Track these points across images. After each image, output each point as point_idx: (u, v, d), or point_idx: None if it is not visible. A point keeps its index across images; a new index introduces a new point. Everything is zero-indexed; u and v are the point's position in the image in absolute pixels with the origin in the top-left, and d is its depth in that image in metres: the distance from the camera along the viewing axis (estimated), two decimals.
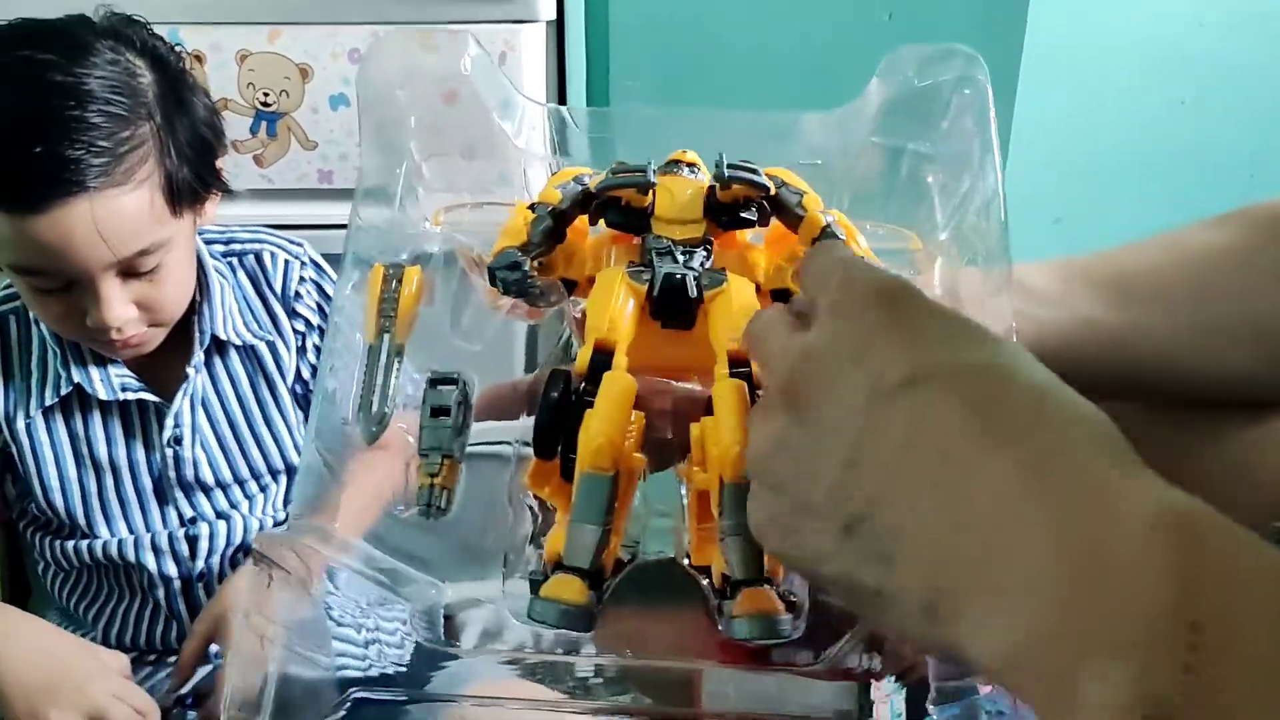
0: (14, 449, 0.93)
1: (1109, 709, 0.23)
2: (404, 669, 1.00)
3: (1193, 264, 0.51)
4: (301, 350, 0.99)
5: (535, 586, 0.40)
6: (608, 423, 0.38)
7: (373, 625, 0.66)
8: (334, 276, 1.01)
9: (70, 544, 0.96)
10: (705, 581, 0.43)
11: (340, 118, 1.16)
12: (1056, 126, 1.54)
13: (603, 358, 0.40)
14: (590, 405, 0.39)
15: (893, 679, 0.60)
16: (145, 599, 0.99)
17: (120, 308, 0.83)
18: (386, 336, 0.44)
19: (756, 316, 0.36)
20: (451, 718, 0.98)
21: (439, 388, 0.44)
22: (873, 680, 0.65)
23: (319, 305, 1.00)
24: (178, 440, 0.95)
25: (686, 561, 0.45)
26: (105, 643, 1.00)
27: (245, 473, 0.99)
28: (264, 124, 1.17)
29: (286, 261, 0.99)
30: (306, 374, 1.00)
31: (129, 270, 0.83)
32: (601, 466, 0.38)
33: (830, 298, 0.31)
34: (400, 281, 0.45)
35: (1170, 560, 0.24)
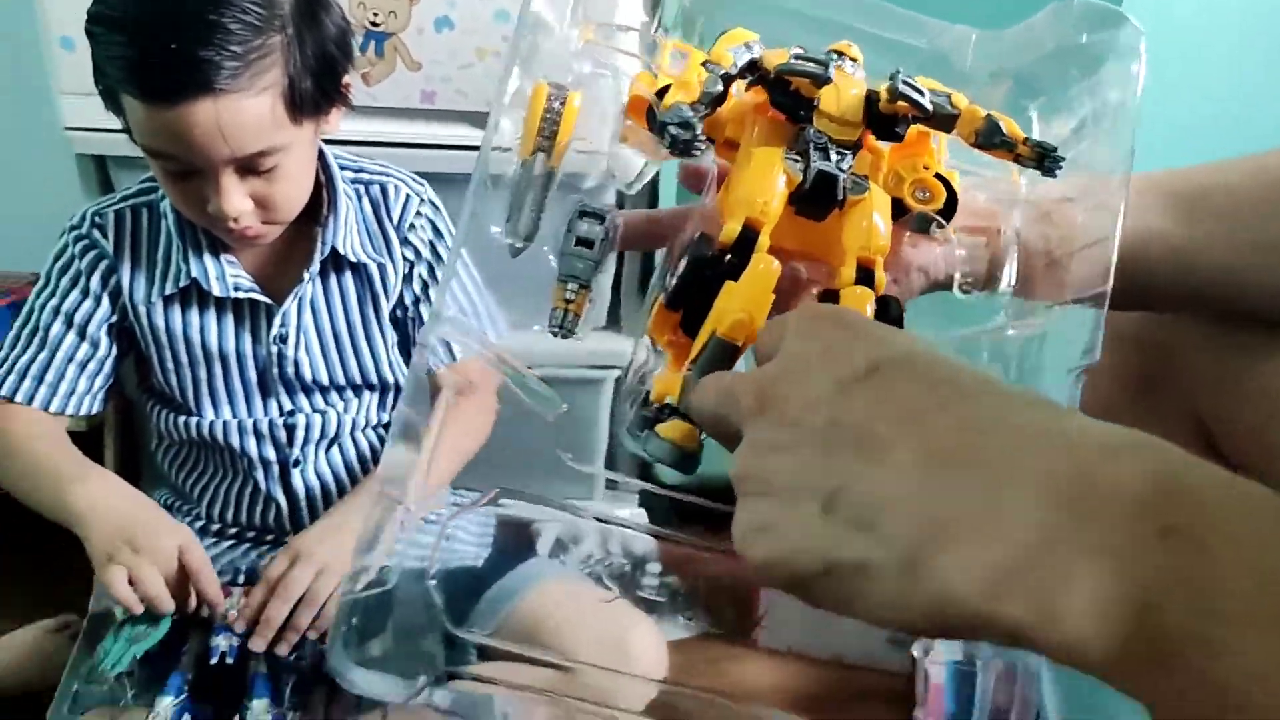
0: (137, 329, 1.01)
1: (1097, 605, 0.25)
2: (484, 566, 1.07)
3: (1267, 183, 0.51)
4: (407, 278, 1.05)
5: (647, 423, 0.44)
6: (751, 301, 0.41)
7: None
8: (449, 220, 1.07)
9: (181, 419, 1.05)
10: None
11: (444, 40, 1.20)
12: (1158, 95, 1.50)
13: (749, 234, 0.42)
14: (729, 273, 0.42)
15: None
16: (245, 479, 1.07)
17: (237, 200, 0.88)
18: (541, 156, 0.45)
19: (720, 379, 0.38)
20: (526, 605, 1.06)
21: (587, 220, 0.46)
22: None
23: (431, 241, 1.05)
24: (283, 339, 1.02)
25: None
26: (208, 519, 1.10)
27: (341, 379, 1.06)
28: (372, 43, 1.22)
29: (408, 196, 1.05)
30: (408, 299, 1.06)
31: (247, 167, 0.88)
32: (734, 337, 0.41)
33: (792, 326, 0.35)
34: (563, 104, 0.45)
35: (1138, 470, 0.26)
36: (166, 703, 0.84)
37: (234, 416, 1.04)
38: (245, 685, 0.87)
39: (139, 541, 0.88)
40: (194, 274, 0.98)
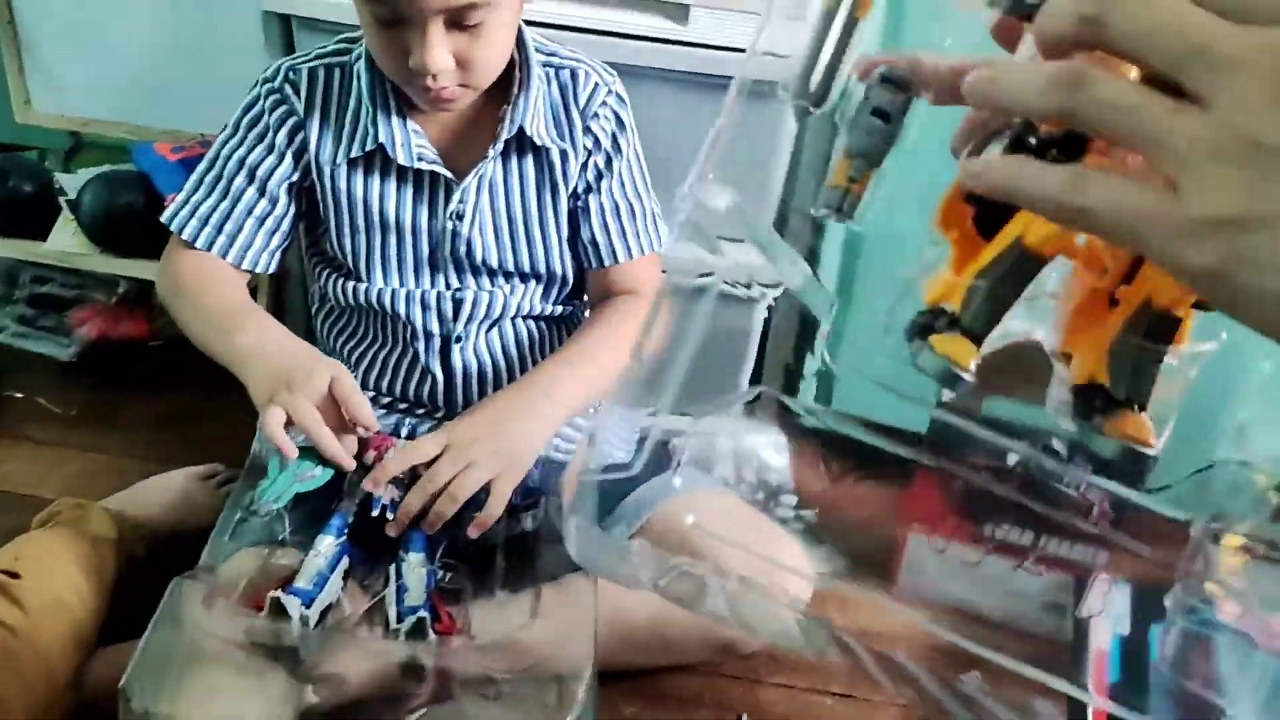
0: (318, 190, 1.01)
1: None
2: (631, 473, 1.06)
3: None
4: (584, 167, 1.03)
5: (920, 330, 0.39)
6: None
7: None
8: (631, 117, 1.04)
9: (350, 284, 1.05)
10: (1064, 373, 0.41)
11: None
12: None
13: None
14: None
15: (1115, 577, 0.59)
16: (405, 349, 1.07)
17: (440, 54, 0.87)
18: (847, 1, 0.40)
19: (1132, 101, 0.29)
20: (672, 509, 1.05)
21: (888, 88, 0.40)
22: (1092, 576, 0.64)
23: (613, 133, 1.03)
24: (459, 217, 1.00)
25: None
26: (364, 387, 1.10)
27: (510, 264, 1.04)
28: None
29: (596, 84, 1.02)
30: (582, 188, 1.04)
31: (455, 21, 0.86)
32: (1043, 252, 0.36)
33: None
34: None
35: None
36: (328, 542, 0.84)
37: (401, 285, 1.04)
38: (401, 538, 0.87)
39: (294, 379, 0.88)
40: (380, 139, 0.97)
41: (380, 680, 0.82)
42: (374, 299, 1.04)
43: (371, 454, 0.91)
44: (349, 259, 1.04)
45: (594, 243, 1.06)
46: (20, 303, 1.47)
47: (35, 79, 1.55)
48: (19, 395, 1.42)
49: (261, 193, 1.00)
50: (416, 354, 1.06)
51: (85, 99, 1.57)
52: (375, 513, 0.87)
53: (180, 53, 1.52)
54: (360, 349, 1.10)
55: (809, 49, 0.41)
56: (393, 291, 1.04)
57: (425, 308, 1.04)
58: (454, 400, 1.08)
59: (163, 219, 1.03)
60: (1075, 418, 0.39)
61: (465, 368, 1.07)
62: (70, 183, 1.49)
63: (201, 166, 1.02)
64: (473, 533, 0.90)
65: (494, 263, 1.04)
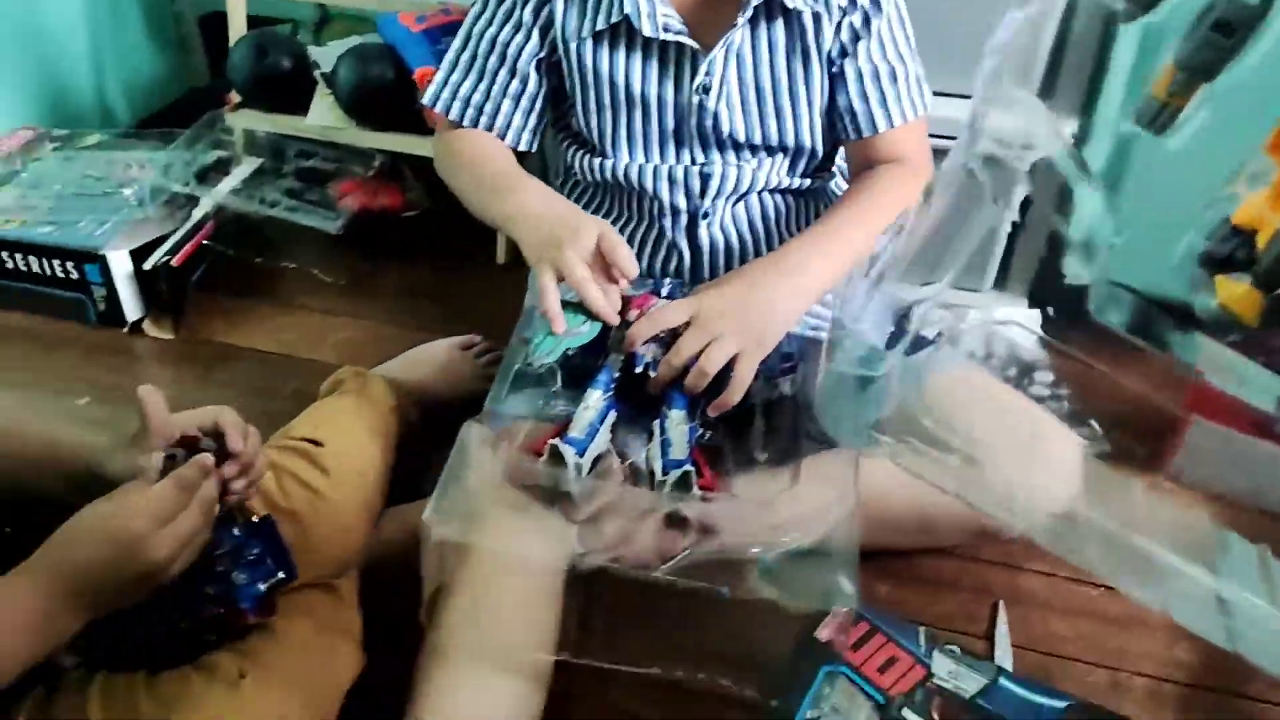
0: (565, 66, 0.99)
1: None
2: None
3: None
4: (839, 29, 0.96)
5: (1210, 262, 0.36)
6: None
7: None
8: None
9: (596, 161, 1.04)
10: None
11: None
12: None
13: None
14: None
15: None
16: (652, 225, 1.06)
17: None
18: None
19: None
20: (929, 388, 1.01)
21: None
22: None
23: None
24: (705, 89, 0.96)
25: None
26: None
27: (759, 137, 1.00)
28: None
29: None
30: (837, 53, 0.97)
31: None
32: None
33: None
34: None
35: None
36: (596, 396, 0.86)
37: (647, 160, 1.02)
38: (663, 395, 0.88)
39: (563, 236, 0.88)
40: (626, 9, 0.93)
41: (645, 531, 0.83)
42: (620, 175, 1.03)
43: (634, 312, 0.91)
44: (595, 135, 1.03)
45: (852, 112, 0.99)
46: (288, 176, 1.56)
47: None
48: (293, 266, 1.52)
49: (513, 73, 1.00)
50: (663, 230, 1.05)
51: None
52: (638, 369, 0.88)
53: None
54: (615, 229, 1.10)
55: None
56: (639, 167, 1.02)
57: (672, 183, 1.02)
58: (700, 276, 1.07)
59: (424, 101, 1.04)
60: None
61: (712, 243, 1.05)
62: (323, 56, 1.54)
63: (456, 44, 1.02)
64: (711, 413, 0.88)
65: (741, 136, 1.00)
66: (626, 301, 0.92)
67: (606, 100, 0.99)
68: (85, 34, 1.76)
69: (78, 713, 0.69)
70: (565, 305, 0.88)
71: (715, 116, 0.98)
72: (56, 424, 0.81)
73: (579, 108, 1.01)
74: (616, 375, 0.89)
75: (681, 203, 1.03)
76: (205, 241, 1.45)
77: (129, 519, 0.67)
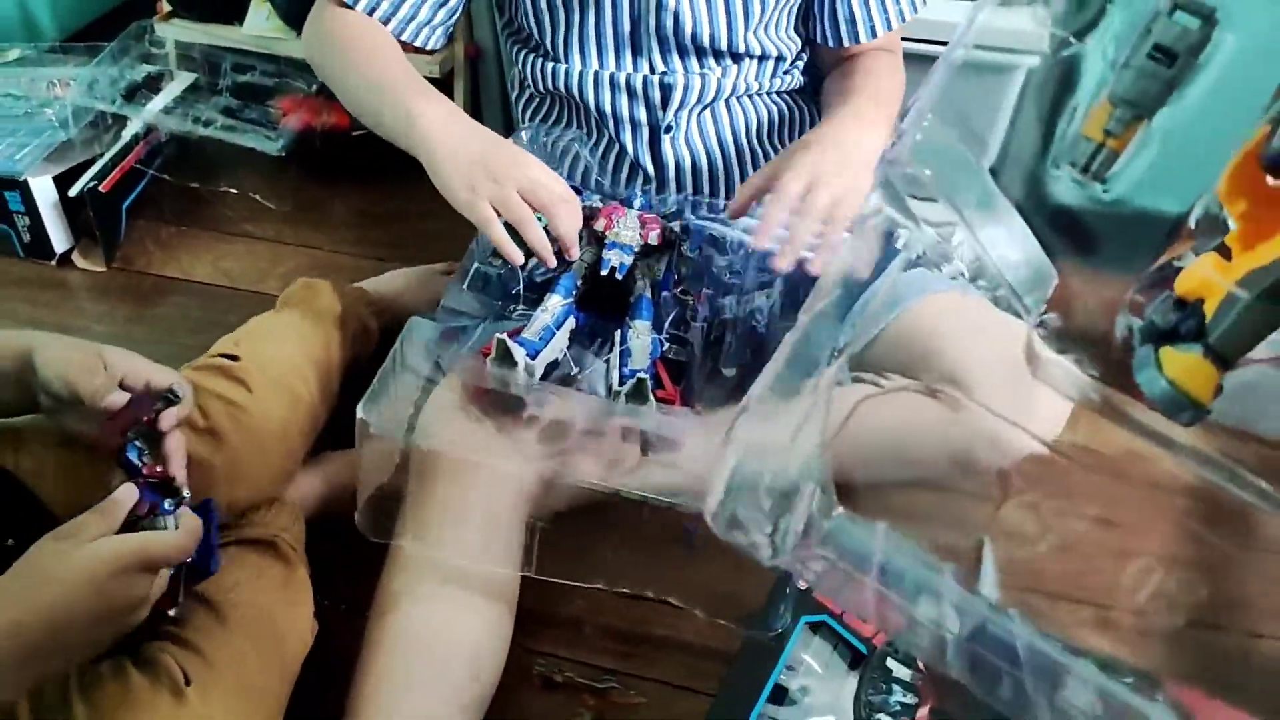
0: None
1: None
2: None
3: None
4: None
5: (1155, 336, 0.32)
6: None
7: None
8: None
9: (549, 66, 0.95)
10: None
11: None
12: None
13: None
14: None
15: None
16: (612, 142, 0.98)
17: None
18: None
19: None
20: (914, 313, 0.95)
21: (1180, 18, 0.33)
22: None
23: None
24: None
25: None
26: (570, 182, 1.03)
27: (724, 41, 0.92)
28: None
29: None
30: None
31: None
32: None
33: None
34: None
35: None
36: (555, 300, 0.81)
37: (602, 68, 0.94)
38: (628, 304, 0.84)
39: (497, 168, 0.79)
40: None
41: (598, 440, 0.78)
42: (575, 86, 0.95)
43: (601, 222, 0.86)
44: (544, 35, 0.94)
45: (851, 19, 0.93)
46: (225, 93, 1.45)
47: None
48: (234, 191, 1.43)
49: None
50: (624, 147, 0.98)
51: None
52: (604, 272, 0.83)
53: None
54: (564, 141, 1.02)
55: None
56: (594, 75, 0.94)
57: (631, 94, 0.94)
58: (664, 192, 1.00)
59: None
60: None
61: (678, 159, 0.98)
62: None
63: None
64: (814, 270, 0.81)
65: (705, 39, 0.91)
66: (594, 211, 0.86)
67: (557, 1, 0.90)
68: None
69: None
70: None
71: (676, 16, 0.89)
72: None
73: (526, 5, 0.92)
74: (580, 282, 0.83)
75: (642, 115, 0.95)
76: (136, 165, 1.35)
77: (115, 547, 0.58)
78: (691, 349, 0.86)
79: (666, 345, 0.84)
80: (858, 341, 0.96)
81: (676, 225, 0.90)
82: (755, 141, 1.00)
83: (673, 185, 1.00)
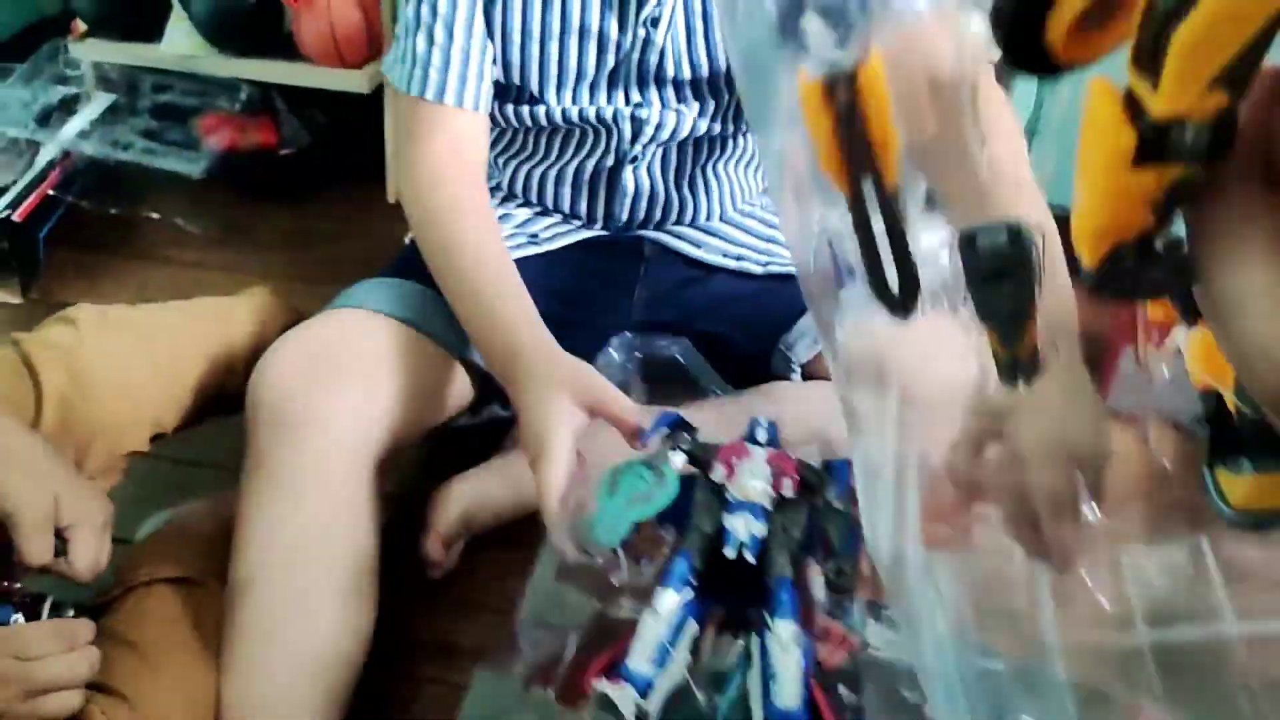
0: (501, 5, 0.88)
1: None
2: None
3: None
4: None
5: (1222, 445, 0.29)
6: None
7: None
8: None
9: (522, 108, 0.94)
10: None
11: None
12: None
13: None
14: None
15: None
16: (570, 162, 0.98)
17: None
18: (867, 181, 0.31)
19: None
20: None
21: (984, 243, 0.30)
22: None
23: None
24: (654, 22, 0.88)
25: None
26: (525, 198, 1.03)
27: (704, 72, 0.91)
28: None
29: None
30: None
31: None
32: None
33: None
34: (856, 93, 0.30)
35: None
36: (669, 599, 0.60)
37: (575, 104, 0.93)
38: (761, 591, 0.62)
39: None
40: None
41: None
42: (542, 118, 0.93)
43: (720, 469, 0.66)
44: (519, 74, 0.91)
45: None
46: (144, 114, 1.40)
47: None
48: (156, 216, 1.38)
49: (461, 28, 0.88)
50: (582, 169, 0.98)
51: None
52: (730, 553, 0.62)
53: None
54: (526, 166, 1.01)
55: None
56: (563, 110, 0.92)
57: (602, 127, 0.93)
58: (614, 218, 1.00)
59: (383, 69, 0.94)
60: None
61: (637, 187, 0.98)
62: None
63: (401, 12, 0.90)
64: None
65: (685, 73, 0.91)
66: (708, 453, 0.68)
67: (536, 33, 0.89)
68: None
69: None
70: (626, 469, 0.66)
71: (661, 54, 0.89)
72: None
73: (502, 44, 0.90)
74: (698, 562, 0.62)
75: (611, 147, 0.95)
76: (51, 192, 1.30)
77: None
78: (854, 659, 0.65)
79: (823, 651, 0.64)
80: (809, 346, 0.96)
81: (814, 459, 0.68)
82: (701, 174, 1.00)
83: (624, 210, 1.00)
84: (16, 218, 1.24)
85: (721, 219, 1.04)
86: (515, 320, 0.81)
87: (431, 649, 0.90)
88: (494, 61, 0.91)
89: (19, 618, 0.68)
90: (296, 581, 0.77)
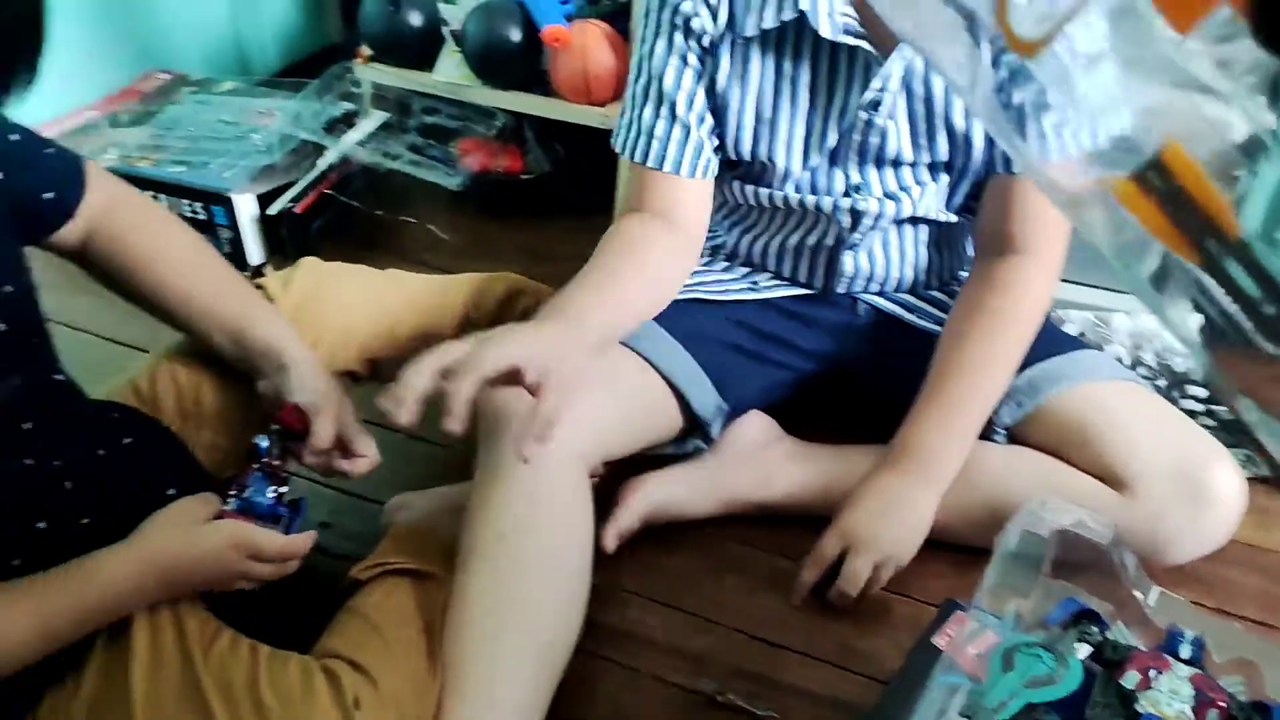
0: (719, 69, 0.91)
1: None
2: None
3: None
4: None
5: None
6: None
7: None
8: None
9: (745, 186, 0.99)
10: None
11: None
12: None
13: None
14: None
15: None
16: (790, 236, 1.02)
17: None
18: (1211, 242, 0.32)
19: None
20: (1075, 396, 0.95)
21: None
22: None
23: None
24: (874, 105, 0.89)
25: None
26: (749, 262, 1.07)
27: (925, 156, 0.93)
28: None
29: None
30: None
31: None
32: None
33: None
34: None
35: None
36: None
37: (794, 183, 0.96)
38: None
39: None
40: (802, 5, 0.86)
41: None
42: (764, 197, 0.98)
43: (1133, 675, 0.64)
44: (738, 149, 0.96)
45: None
46: (412, 131, 1.56)
47: None
48: (413, 221, 1.52)
49: (683, 103, 0.93)
50: (803, 247, 1.02)
51: None
52: None
53: None
54: (749, 236, 1.06)
55: None
56: (785, 191, 0.97)
57: (821, 213, 0.97)
58: (832, 288, 1.05)
59: (611, 140, 0.98)
60: None
61: (857, 268, 1.02)
62: (452, 14, 1.53)
63: (630, 81, 0.96)
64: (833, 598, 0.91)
65: (907, 155, 0.93)
66: (1124, 653, 0.67)
67: (752, 109, 0.93)
68: None
69: (188, 670, 0.69)
70: (1018, 645, 0.65)
71: (882, 134, 0.91)
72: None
73: (724, 121, 0.94)
74: None
75: (830, 233, 0.99)
76: (328, 191, 1.47)
77: (229, 550, 0.73)
78: None
79: None
80: (1012, 410, 0.96)
81: (1239, 690, 0.64)
82: (926, 264, 1.03)
83: (843, 285, 1.04)
84: (297, 210, 1.41)
85: (940, 289, 1.06)
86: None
87: (607, 631, 0.94)
88: (716, 136, 0.95)
89: (275, 502, 0.80)
90: (519, 562, 0.82)
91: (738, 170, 0.99)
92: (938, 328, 0.99)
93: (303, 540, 0.77)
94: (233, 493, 0.78)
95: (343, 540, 1.00)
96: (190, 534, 0.72)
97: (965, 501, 0.93)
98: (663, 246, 0.93)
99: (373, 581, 0.83)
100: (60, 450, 0.70)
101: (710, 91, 0.93)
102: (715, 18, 0.89)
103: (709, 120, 0.93)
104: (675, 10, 0.90)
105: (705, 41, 0.90)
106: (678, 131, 0.92)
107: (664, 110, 0.92)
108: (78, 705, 0.68)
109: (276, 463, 0.81)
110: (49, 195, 0.76)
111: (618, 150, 0.97)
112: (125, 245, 0.81)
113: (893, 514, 0.90)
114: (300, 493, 0.85)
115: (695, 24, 0.90)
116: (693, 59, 0.91)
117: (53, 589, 0.66)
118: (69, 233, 0.79)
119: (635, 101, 0.94)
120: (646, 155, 0.94)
